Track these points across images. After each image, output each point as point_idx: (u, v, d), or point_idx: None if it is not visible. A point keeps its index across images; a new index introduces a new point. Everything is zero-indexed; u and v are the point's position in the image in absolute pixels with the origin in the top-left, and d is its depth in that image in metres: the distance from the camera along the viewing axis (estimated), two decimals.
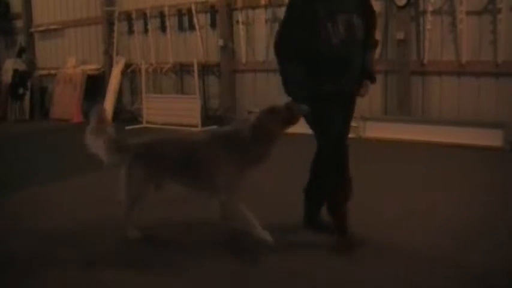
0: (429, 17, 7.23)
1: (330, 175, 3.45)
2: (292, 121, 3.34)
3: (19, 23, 12.86)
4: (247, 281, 3.07)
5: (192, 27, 9.67)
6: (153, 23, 10.21)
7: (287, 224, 3.82)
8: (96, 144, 3.59)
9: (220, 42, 9.23)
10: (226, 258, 3.34)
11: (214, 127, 3.59)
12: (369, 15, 3.57)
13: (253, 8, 8.97)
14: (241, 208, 3.33)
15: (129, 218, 3.70)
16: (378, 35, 7.80)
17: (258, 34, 8.94)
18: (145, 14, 10.23)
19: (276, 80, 9.00)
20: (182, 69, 9.98)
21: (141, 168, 3.55)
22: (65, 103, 11.24)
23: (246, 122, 3.41)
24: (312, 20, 3.34)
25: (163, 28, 10.08)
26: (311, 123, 3.52)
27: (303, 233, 3.69)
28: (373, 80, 3.61)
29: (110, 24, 10.87)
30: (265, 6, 8.77)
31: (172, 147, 3.58)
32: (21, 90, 11.79)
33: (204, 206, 3.63)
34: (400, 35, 7.46)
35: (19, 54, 12.56)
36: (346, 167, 3.48)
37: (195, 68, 9.23)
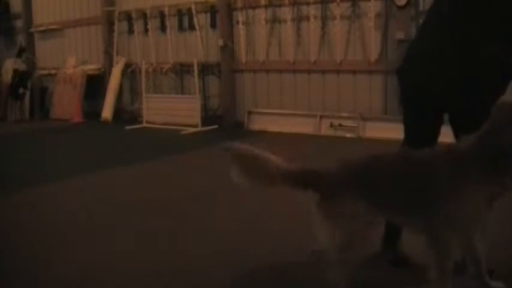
0: None
1: None
2: None
3: (19, 23, 12.84)
4: None
5: (192, 27, 9.67)
6: (153, 23, 10.21)
7: None
8: (251, 175, 2.65)
9: (220, 42, 9.22)
10: None
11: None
12: None
13: (253, 8, 8.96)
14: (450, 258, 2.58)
15: (339, 273, 2.67)
16: (377, 35, 7.87)
17: (258, 34, 8.94)
18: (145, 14, 10.23)
19: (275, 79, 9.13)
20: (182, 69, 9.97)
21: (352, 200, 2.59)
22: (65, 103, 11.24)
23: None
24: None
25: (163, 28, 10.08)
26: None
27: None
28: None
29: (110, 24, 10.86)
30: (265, 6, 8.77)
31: (392, 169, 2.70)
32: (21, 90, 11.78)
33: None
34: (400, 35, 7.44)
35: (19, 54, 12.55)
36: None
37: (195, 68, 9.23)
